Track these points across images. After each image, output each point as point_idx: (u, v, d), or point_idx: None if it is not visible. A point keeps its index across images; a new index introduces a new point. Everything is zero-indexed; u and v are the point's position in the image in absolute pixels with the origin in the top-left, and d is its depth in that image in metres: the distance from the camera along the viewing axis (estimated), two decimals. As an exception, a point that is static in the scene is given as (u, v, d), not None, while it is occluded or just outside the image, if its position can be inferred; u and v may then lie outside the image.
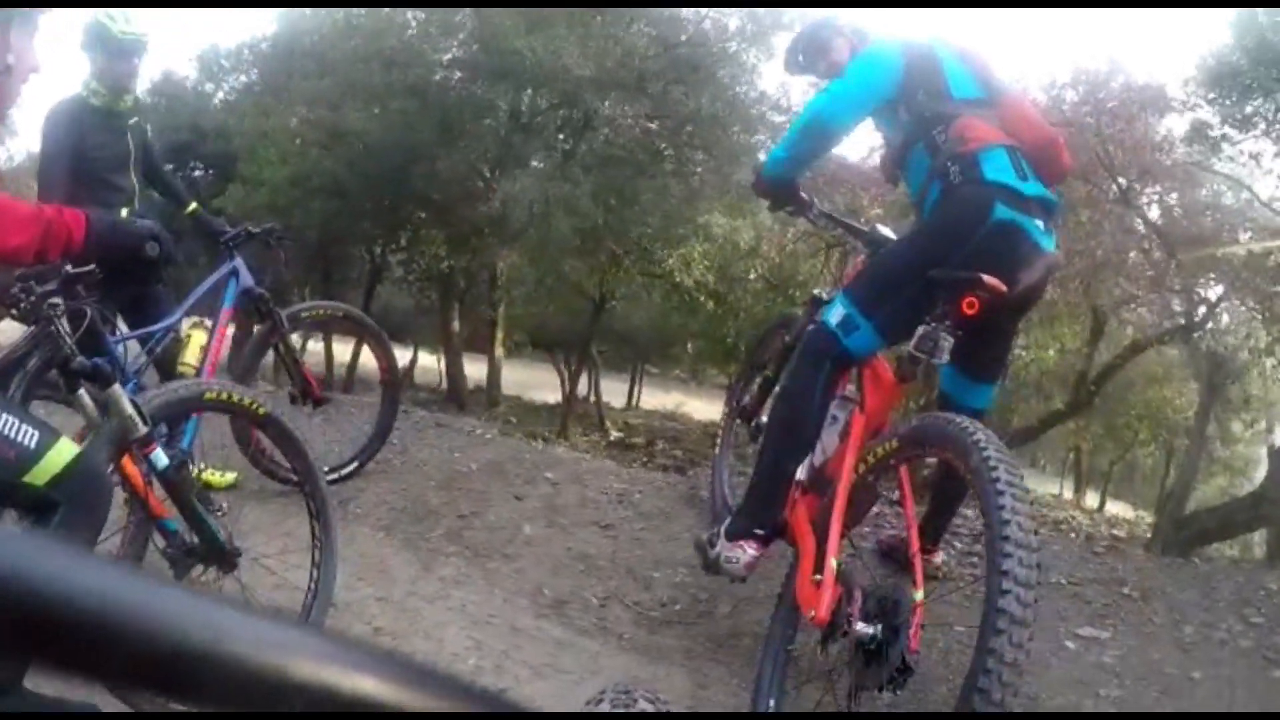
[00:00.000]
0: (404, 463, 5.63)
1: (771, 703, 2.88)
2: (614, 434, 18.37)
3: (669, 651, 3.55)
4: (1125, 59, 12.35)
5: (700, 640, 3.63)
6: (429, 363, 22.42)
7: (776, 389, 3.86)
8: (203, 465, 4.94)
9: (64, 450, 2.48)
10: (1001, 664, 2.14)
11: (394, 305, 20.41)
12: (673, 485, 5.40)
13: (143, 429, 2.84)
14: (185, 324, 4.54)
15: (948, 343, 2.81)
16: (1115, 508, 20.27)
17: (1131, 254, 10.99)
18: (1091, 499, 23.22)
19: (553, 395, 23.27)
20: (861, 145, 13.67)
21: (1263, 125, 10.77)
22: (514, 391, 21.10)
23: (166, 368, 4.57)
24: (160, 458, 2.95)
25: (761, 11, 12.61)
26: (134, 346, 4.33)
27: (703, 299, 15.13)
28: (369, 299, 16.42)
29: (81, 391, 2.83)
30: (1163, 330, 11.97)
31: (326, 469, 4.93)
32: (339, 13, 14.23)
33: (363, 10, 13.78)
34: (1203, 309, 11.24)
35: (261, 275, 5.10)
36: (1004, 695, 2.14)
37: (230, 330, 5.23)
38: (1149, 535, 7.00)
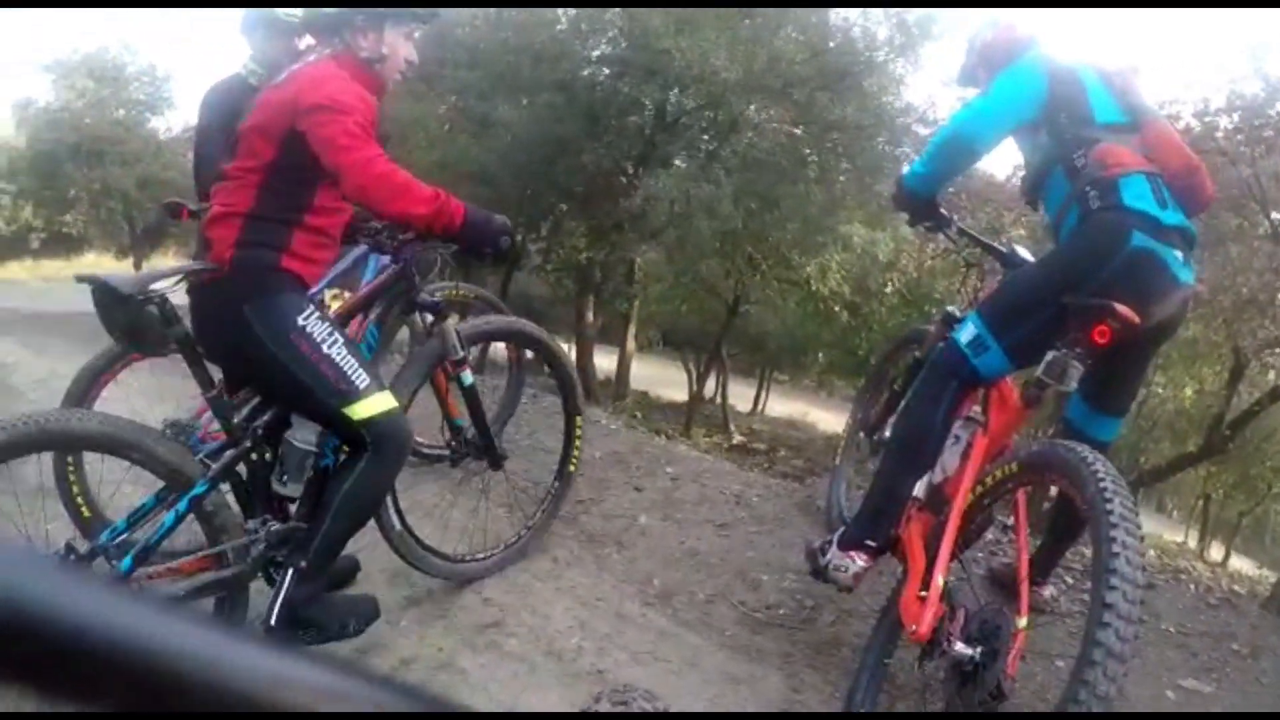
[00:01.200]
0: (529, 445, 5.74)
1: (865, 697, 2.90)
2: (737, 437, 18.37)
3: (768, 653, 3.56)
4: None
5: (800, 646, 3.62)
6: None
7: (902, 404, 3.86)
8: None
9: (384, 400, 3.10)
10: (1093, 695, 2.13)
11: (530, 293, 20.66)
12: (790, 492, 5.42)
13: (460, 352, 3.69)
14: (327, 294, 4.70)
15: (1076, 370, 2.81)
16: (1240, 563, 19.41)
17: (1280, 295, 10.58)
18: (1217, 552, 22.41)
19: (679, 393, 23.34)
20: (1007, 164, 13.40)
21: None
22: (642, 386, 21.22)
23: None
24: (467, 376, 3.79)
25: (911, 21, 12.46)
26: None
27: (837, 309, 15.02)
28: (506, 285, 16.65)
29: (415, 316, 3.91)
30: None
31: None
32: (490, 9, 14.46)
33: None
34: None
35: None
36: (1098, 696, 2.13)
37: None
38: (1269, 595, 6.76)
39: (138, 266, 25.91)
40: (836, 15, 12.64)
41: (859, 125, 11.90)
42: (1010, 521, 3.46)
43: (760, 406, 28.26)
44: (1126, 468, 16.98)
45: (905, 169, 3.82)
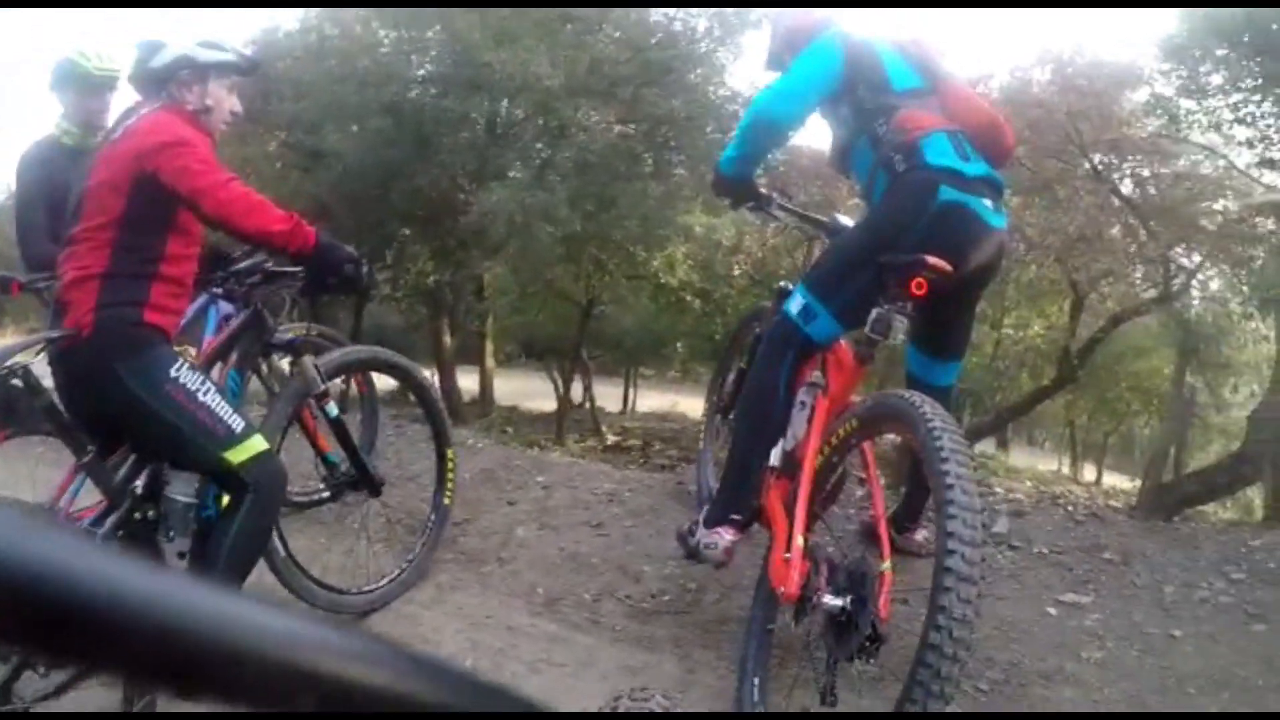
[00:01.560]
0: (399, 475, 5.68)
1: (756, 681, 2.98)
2: (611, 438, 18.38)
3: (659, 641, 3.65)
4: (1091, 37, 12.47)
5: (689, 628, 3.73)
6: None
7: (744, 392, 3.90)
8: None
9: (259, 441, 3.24)
10: (951, 620, 2.27)
11: (384, 323, 20.41)
12: (662, 483, 5.49)
13: (322, 385, 3.80)
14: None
15: (900, 324, 2.98)
16: (1114, 479, 20.40)
17: (1109, 229, 11.12)
18: (1090, 473, 23.38)
19: (548, 403, 23.28)
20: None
21: (1219, 95, 10.95)
22: (510, 401, 21.10)
23: None
24: (332, 408, 3.91)
25: (729, 11, 12.69)
26: None
27: (689, 298, 15.19)
28: (358, 318, 16.43)
29: (273, 358, 4.10)
30: (1141, 301, 12.08)
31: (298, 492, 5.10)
32: (313, 35, 14.23)
33: (336, 30, 13.83)
34: (1180, 279, 11.35)
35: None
36: (955, 650, 2.27)
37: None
38: (1137, 501, 7.15)
39: (-32, 347, 24.89)
40: (656, 12, 12.79)
41: (688, 117, 12.08)
42: (863, 475, 3.56)
43: (630, 404, 28.39)
44: (989, 408, 17.63)
45: (719, 156, 3.93)
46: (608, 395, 25.20)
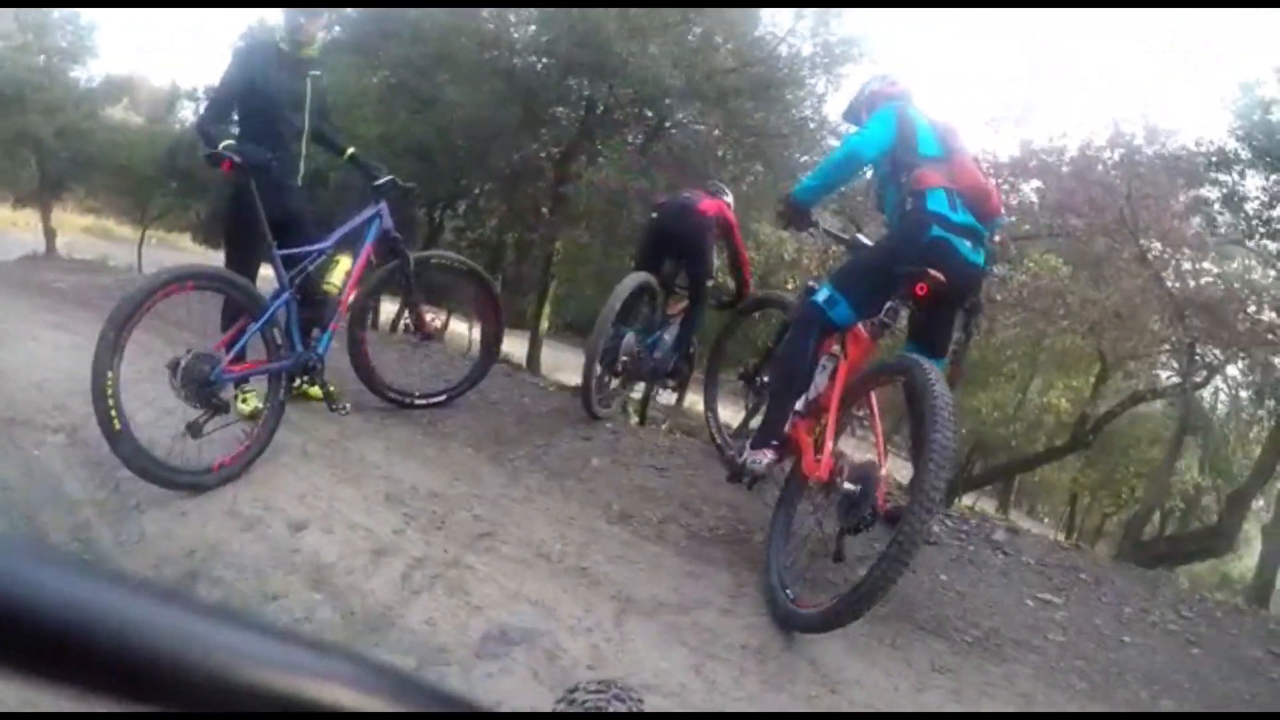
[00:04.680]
0: (481, 401, 6.50)
1: (778, 568, 4.10)
2: (634, 420, 19.02)
3: (715, 560, 4.42)
4: (1161, 122, 12.99)
5: (739, 556, 4.49)
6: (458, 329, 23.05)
7: (779, 350, 5.16)
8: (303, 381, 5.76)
9: None
10: (932, 486, 3.48)
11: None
12: (712, 448, 6.24)
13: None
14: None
15: (905, 312, 4.40)
16: (1102, 560, 20.81)
17: (1145, 312, 11.70)
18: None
19: (577, 378, 23.89)
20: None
21: (1254, 205, 11.53)
22: (542, 370, 21.68)
23: (311, 285, 5.48)
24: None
25: (834, 40, 13.33)
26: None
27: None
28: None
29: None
30: (1162, 386, 12.63)
31: (418, 394, 5.98)
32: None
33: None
34: (1203, 373, 11.90)
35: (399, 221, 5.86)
36: (933, 505, 3.47)
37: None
38: (1118, 550, 7.73)
39: (45, 218, 25.60)
40: (765, 29, 13.37)
41: (778, 133, 12.65)
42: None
43: (654, 393, 28.94)
44: (1004, 461, 18.17)
45: (794, 187, 4.97)
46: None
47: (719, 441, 6.18)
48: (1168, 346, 12.12)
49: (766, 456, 4.38)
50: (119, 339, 4.23)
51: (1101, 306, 11.54)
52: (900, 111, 4.55)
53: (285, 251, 5.11)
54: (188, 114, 26.87)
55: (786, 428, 4.43)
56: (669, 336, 6.80)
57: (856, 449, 4.85)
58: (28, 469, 4.62)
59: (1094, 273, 12.81)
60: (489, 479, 5.11)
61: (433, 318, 6.48)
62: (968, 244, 4.25)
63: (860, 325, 4.49)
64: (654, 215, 6.68)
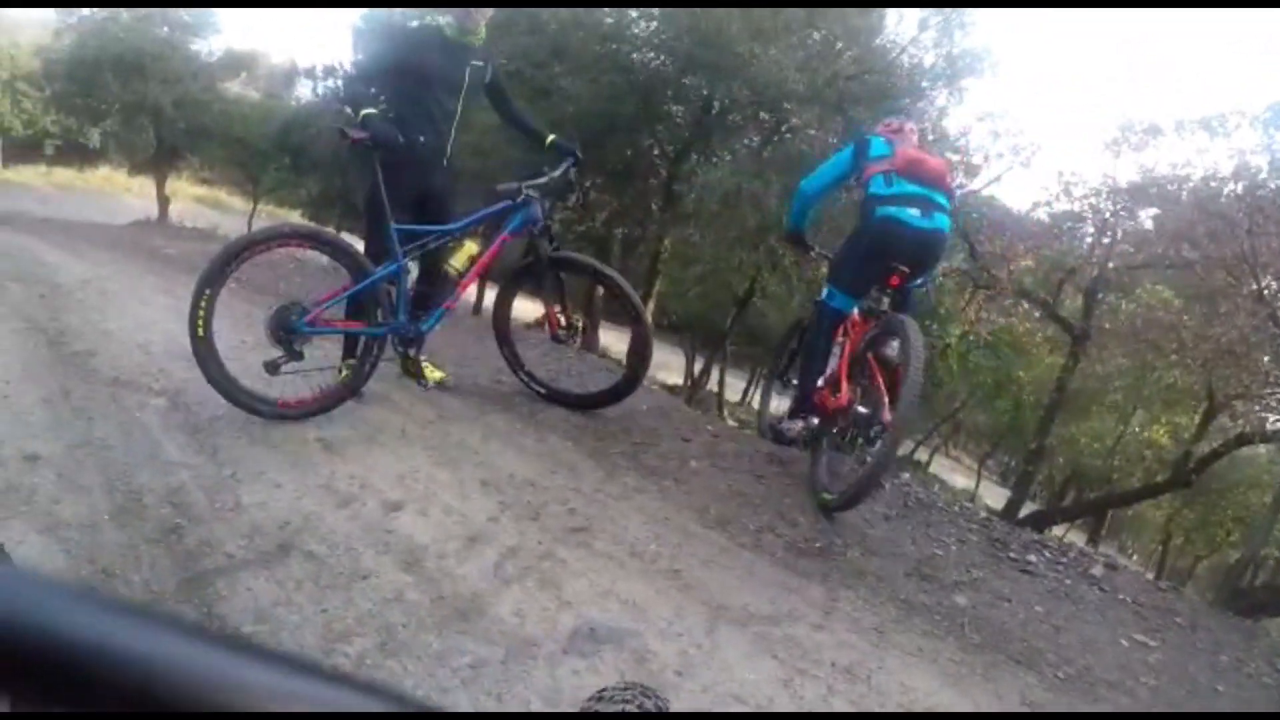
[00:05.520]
0: (580, 393, 6.45)
1: (823, 465, 5.46)
2: (731, 422, 19.02)
3: (811, 573, 4.31)
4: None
5: (835, 571, 4.38)
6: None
7: (803, 344, 6.18)
8: (425, 357, 5.93)
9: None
10: (907, 403, 4.65)
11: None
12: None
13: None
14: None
15: (884, 298, 5.55)
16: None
17: (1259, 351, 11.36)
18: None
19: (674, 377, 24.00)
20: (1028, 199, 14.16)
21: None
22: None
23: (433, 264, 5.71)
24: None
25: (957, 53, 13.13)
26: None
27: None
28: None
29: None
30: (1273, 429, 12.27)
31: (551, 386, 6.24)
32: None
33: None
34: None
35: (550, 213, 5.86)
36: (906, 423, 4.84)
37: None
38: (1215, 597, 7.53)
39: (159, 185, 26.29)
40: (887, 38, 13.23)
41: (895, 143, 12.50)
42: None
43: (749, 398, 28.94)
44: (1101, 493, 17.76)
45: (786, 220, 6.31)
46: (730, 385, 25.74)
47: (762, 423, 7.08)
48: None
49: (798, 424, 5.59)
50: (225, 269, 4.79)
51: (1215, 342, 11.25)
52: (859, 142, 5.63)
53: (404, 227, 5.39)
54: (304, 92, 27.40)
55: (812, 399, 5.58)
56: None
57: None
58: (128, 430, 4.70)
59: (1208, 307, 12.50)
60: (586, 473, 5.08)
61: (578, 319, 6.35)
62: (913, 211, 5.17)
63: (856, 312, 5.67)
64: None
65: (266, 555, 3.66)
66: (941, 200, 5.27)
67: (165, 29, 24.66)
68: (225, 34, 27.13)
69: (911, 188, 5.21)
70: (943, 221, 5.26)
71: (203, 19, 25.64)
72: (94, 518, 3.71)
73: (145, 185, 29.43)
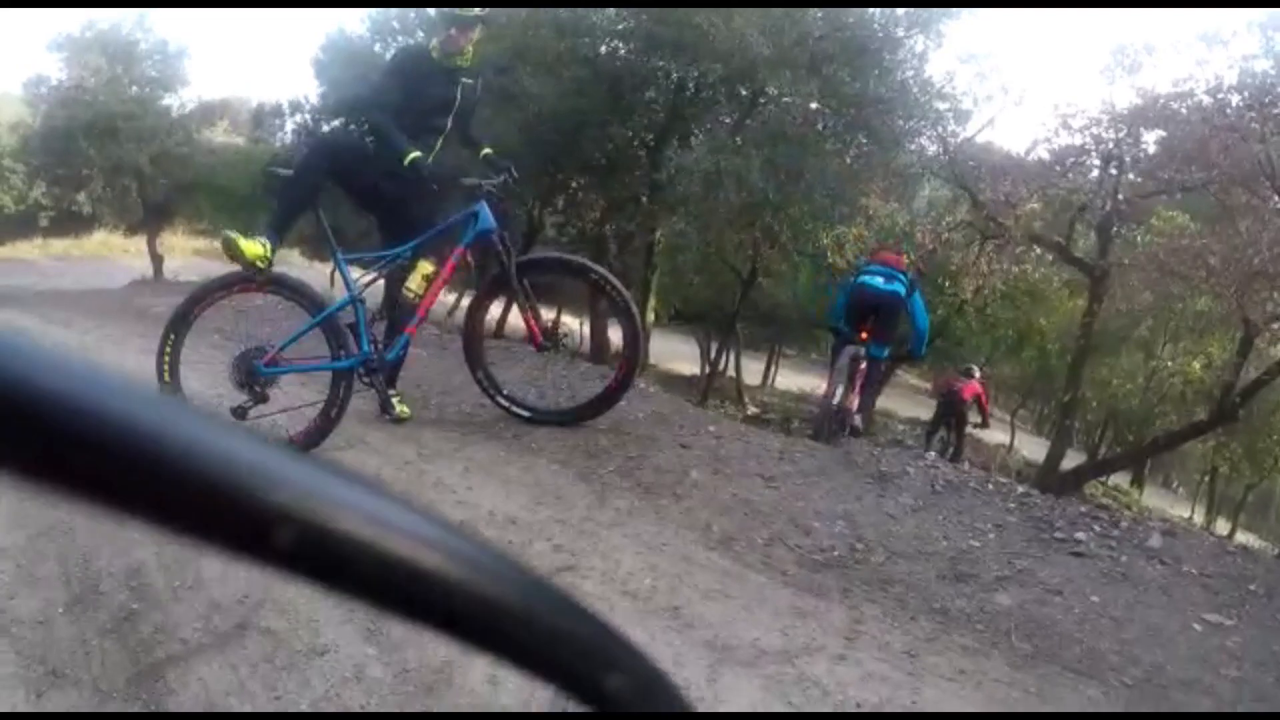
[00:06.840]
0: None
1: (839, 392, 8.34)
2: (750, 409, 18.59)
3: (829, 590, 3.81)
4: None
5: (856, 583, 3.88)
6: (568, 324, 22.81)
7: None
8: (394, 393, 5.60)
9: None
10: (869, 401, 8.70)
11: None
12: (829, 450, 5.70)
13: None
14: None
15: (863, 341, 8.33)
16: (1244, 538, 19.61)
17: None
18: (1223, 527, 22.66)
19: (689, 367, 23.57)
20: (1025, 138, 13.84)
21: None
22: (652, 360, 21.40)
23: (391, 289, 5.72)
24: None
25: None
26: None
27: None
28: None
29: None
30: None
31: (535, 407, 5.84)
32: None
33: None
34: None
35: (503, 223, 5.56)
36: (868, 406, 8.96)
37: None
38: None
39: (151, 243, 26.05)
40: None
41: (879, 99, 12.08)
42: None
43: (770, 380, 28.51)
44: (1138, 439, 17.23)
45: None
46: (748, 369, 25.35)
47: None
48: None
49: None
50: (189, 314, 5.29)
51: (1244, 265, 10.67)
52: (851, 284, 8.74)
53: (354, 255, 5.70)
54: (287, 128, 27.35)
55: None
56: None
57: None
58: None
59: (1229, 227, 11.91)
60: (575, 500, 4.63)
61: (561, 329, 6.11)
62: (878, 280, 8.30)
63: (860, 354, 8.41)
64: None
65: (223, 637, 3.28)
66: (892, 273, 8.47)
67: (134, 88, 24.46)
68: (195, 85, 27.01)
69: (878, 267, 8.57)
70: (898, 285, 8.40)
71: (170, 73, 25.42)
72: (47, 612, 3.38)
73: (142, 244, 29.37)
